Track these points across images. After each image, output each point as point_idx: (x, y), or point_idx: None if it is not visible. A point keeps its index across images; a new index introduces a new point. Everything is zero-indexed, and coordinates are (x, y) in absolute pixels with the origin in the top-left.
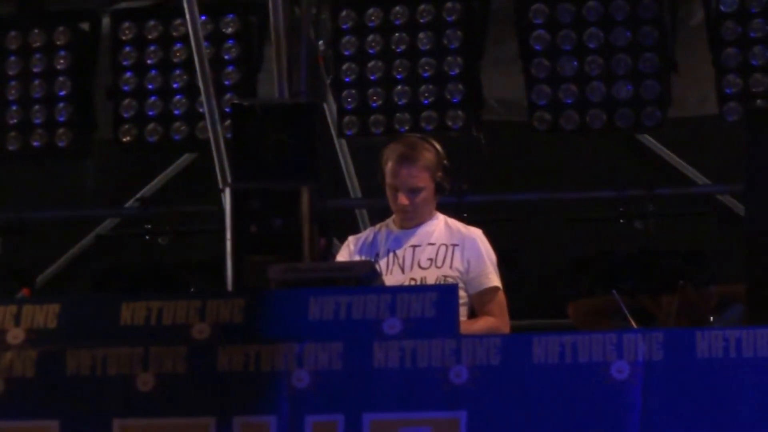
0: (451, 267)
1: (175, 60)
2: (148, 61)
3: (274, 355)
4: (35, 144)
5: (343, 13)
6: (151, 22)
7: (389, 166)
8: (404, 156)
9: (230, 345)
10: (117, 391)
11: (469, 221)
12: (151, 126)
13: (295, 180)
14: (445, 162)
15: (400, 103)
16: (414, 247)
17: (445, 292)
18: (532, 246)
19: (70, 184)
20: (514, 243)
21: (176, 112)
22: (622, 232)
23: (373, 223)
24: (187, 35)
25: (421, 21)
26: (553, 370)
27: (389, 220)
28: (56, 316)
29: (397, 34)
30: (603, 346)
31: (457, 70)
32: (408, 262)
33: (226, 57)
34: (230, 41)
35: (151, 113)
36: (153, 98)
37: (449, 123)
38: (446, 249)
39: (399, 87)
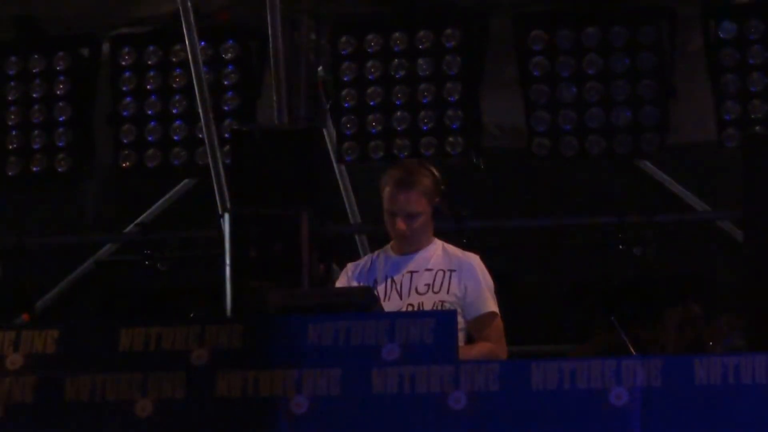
0: (448, 292)
1: (175, 85)
2: (148, 87)
3: (272, 380)
4: (35, 169)
5: (343, 38)
6: (151, 48)
7: (387, 192)
8: (402, 181)
9: (229, 370)
10: (116, 417)
11: (468, 247)
12: (150, 151)
13: (295, 205)
14: (442, 187)
15: (399, 128)
16: (412, 272)
17: (444, 318)
18: (532, 272)
19: (70, 210)
20: (514, 268)
21: (176, 137)
22: (621, 259)
23: (372, 249)
24: (186, 61)
25: (420, 47)
26: (552, 395)
27: (387, 246)
28: (55, 342)
29: (396, 60)
30: (602, 373)
31: (456, 96)
32: (405, 288)
33: (225, 82)
34: (230, 67)
35: (150, 139)
36: (152, 124)
37: (448, 149)
38: (443, 274)
39: (398, 113)
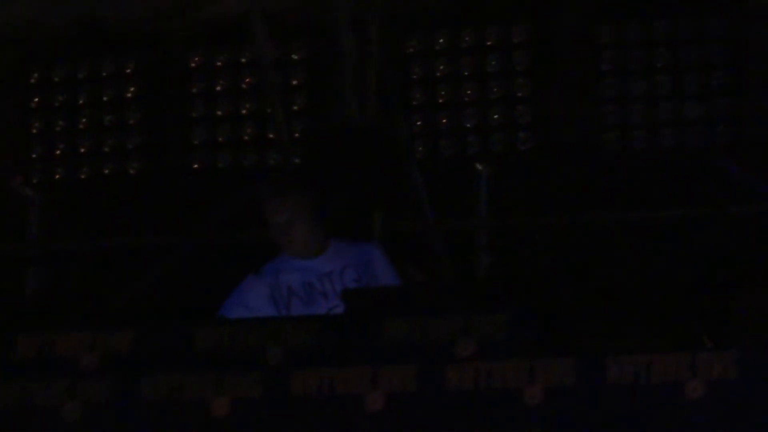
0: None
1: (245, 86)
2: (218, 88)
3: (348, 378)
4: (106, 172)
5: (412, 36)
6: (221, 49)
7: None
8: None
9: (305, 369)
10: (192, 416)
11: (544, 242)
12: (221, 152)
13: (367, 204)
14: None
15: (468, 125)
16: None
17: (518, 313)
18: (607, 265)
19: (141, 211)
20: (587, 262)
21: (246, 138)
22: (692, 252)
23: (445, 246)
24: (256, 61)
25: (489, 43)
26: (628, 390)
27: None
28: (130, 342)
29: (465, 57)
30: (677, 366)
31: (525, 92)
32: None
33: (295, 82)
34: (299, 66)
35: (221, 140)
36: (223, 124)
37: (519, 145)
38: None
39: (468, 110)
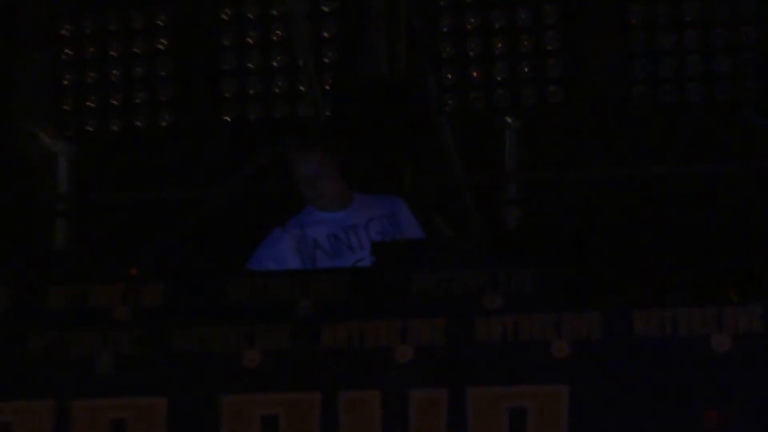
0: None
1: (275, 39)
2: (248, 41)
3: (377, 331)
4: (138, 124)
5: None
6: (251, 1)
7: None
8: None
9: (334, 322)
10: (224, 368)
11: (572, 195)
12: (252, 105)
13: (396, 157)
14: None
15: (498, 78)
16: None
17: (545, 267)
18: (631, 219)
19: (172, 164)
20: (614, 216)
21: (277, 91)
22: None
23: (474, 200)
24: (286, 14)
25: None
26: (654, 343)
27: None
28: (161, 294)
29: (495, 10)
30: (702, 320)
31: (555, 46)
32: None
33: (325, 35)
34: (330, 19)
35: (252, 92)
36: (253, 77)
37: (549, 98)
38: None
39: (498, 64)
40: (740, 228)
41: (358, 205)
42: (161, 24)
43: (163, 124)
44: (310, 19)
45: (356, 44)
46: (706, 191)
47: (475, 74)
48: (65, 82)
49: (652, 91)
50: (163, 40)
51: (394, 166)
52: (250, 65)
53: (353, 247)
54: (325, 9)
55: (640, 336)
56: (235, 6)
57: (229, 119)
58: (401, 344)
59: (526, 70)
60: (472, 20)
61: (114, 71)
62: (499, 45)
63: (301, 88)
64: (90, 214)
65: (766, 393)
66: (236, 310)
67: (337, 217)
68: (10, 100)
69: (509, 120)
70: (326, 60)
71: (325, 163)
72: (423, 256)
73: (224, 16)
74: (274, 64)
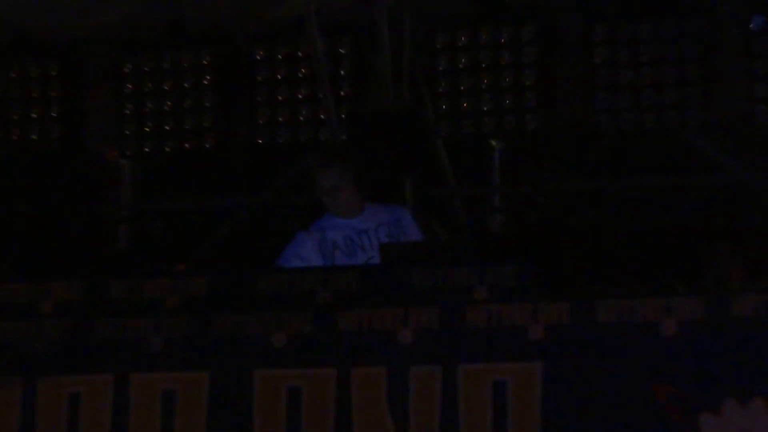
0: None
1: (301, 75)
2: (278, 77)
3: (383, 317)
4: (186, 146)
5: (438, 33)
6: (281, 44)
7: None
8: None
9: (348, 309)
10: (256, 347)
11: (547, 206)
12: (281, 130)
13: (401, 173)
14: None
15: (485, 108)
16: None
17: (525, 265)
18: (596, 225)
19: (214, 179)
20: (582, 222)
21: (302, 118)
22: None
23: (466, 208)
24: (310, 54)
25: (502, 40)
26: (613, 328)
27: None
28: (205, 286)
29: (482, 52)
30: (654, 308)
31: (532, 81)
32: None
33: (341, 72)
34: (345, 59)
35: (281, 120)
36: (283, 107)
37: (527, 125)
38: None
39: (485, 96)
40: (685, 232)
41: (369, 213)
42: (206, 63)
43: (207, 145)
44: (329, 58)
45: (367, 80)
46: (657, 202)
47: (465, 105)
48: (127, 111)
49: (613, 119)
50: (207, 76)
51: (399, 180)
52: (279, 97)
53: (365, 247)
54: (342, 51)
55: (602, 322)
56: (268, 48)
57: (261, 142)
58: (403, 328)
59: (508, 101)
60: (463, 60)
61: (167, 102)
62: (485, 81)
63: (322, 116)
64: (147, 220)
65: (706, 370)
66: (266, 299)
67: (352, 223)
68: (82, 127)
69: (494, 143)
70: (342, 93)
71: (343, 177)
72: (422, 255)
73: (258, 57)
74: (300, 96)
